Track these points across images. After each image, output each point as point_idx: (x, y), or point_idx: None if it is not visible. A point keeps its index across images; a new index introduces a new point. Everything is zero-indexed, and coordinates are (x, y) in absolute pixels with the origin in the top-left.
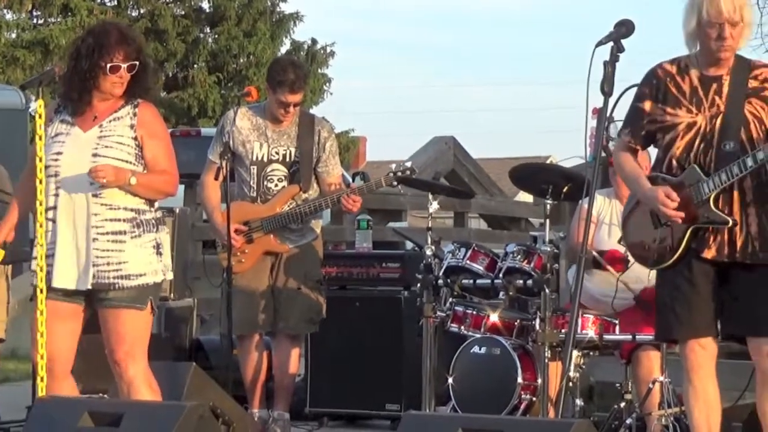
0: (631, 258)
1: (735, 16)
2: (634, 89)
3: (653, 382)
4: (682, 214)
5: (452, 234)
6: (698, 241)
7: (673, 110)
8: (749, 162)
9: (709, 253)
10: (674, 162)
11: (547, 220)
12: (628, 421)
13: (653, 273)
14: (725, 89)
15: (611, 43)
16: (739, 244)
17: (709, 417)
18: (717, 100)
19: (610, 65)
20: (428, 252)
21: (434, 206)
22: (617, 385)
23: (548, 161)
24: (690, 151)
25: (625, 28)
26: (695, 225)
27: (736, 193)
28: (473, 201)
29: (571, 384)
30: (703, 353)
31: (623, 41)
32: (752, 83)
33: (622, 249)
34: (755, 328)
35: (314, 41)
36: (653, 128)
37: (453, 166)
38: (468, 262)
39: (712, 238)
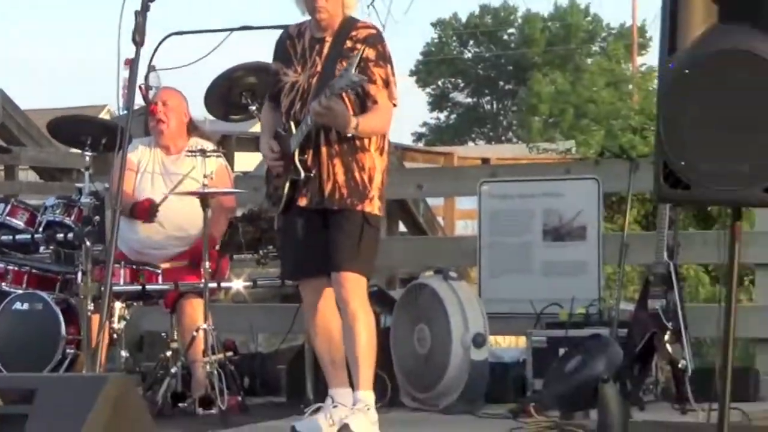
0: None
1: None
2: (173, 38)
3: (197, 330)
4: (281, 164)
5: (4, 188)
6: (297, 191)
7: (287, 70)
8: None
9: (303, 202)
10: (284, 118)
11: (87, 172)
12: (174, 369)
13: (196, 222)
14: (325, 50)
15: None
16: (327, 192)
17: (330, 348)
18: (317, 61)
19: (141, 15)
20: None
21: None
22: (163, 334)
23: (105, 110)
24: (292, 108)
25: None
26: (289, 176)
27: (323, 147)
28: (23, 153)
29: (116, 336)
30: (315, 292)
31: None
32: (348, 43)
33: (159, 198)
34: (334, 263)
35: None
36: (279, 87)
37: (2, 120)
38: (7, 217)
39: (305, 189)
